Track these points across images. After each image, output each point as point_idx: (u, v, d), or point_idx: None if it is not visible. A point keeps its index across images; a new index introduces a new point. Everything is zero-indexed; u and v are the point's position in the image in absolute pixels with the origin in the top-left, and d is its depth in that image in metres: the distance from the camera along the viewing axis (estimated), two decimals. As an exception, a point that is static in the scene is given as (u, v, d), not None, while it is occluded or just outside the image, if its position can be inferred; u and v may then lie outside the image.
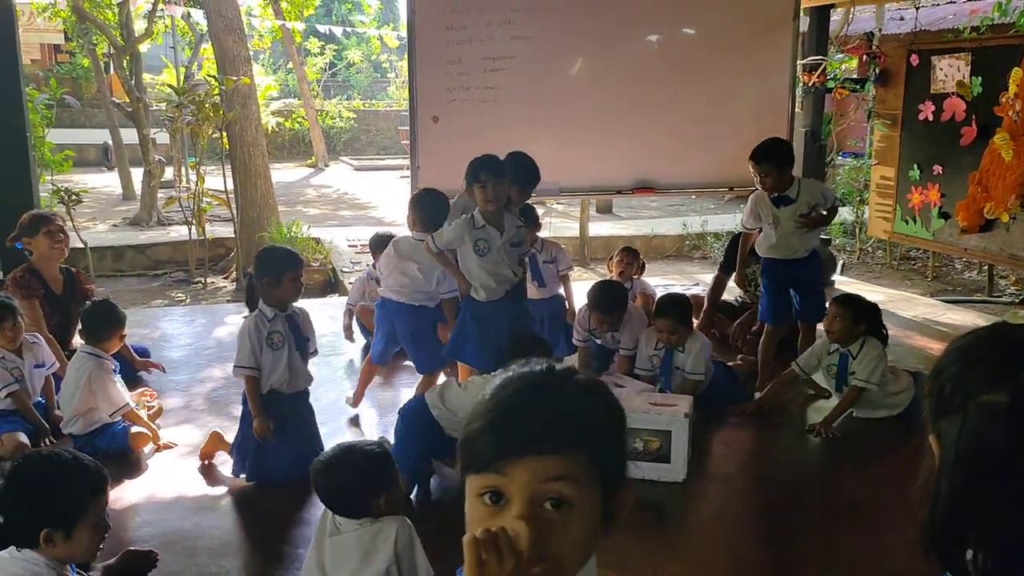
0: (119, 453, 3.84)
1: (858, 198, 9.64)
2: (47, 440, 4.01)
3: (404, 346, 4.29)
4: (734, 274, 5.39)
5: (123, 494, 3.55)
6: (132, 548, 2.97)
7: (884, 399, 4.23)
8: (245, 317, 3.72)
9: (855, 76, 8.28)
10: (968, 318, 6.50)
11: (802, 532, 3.32)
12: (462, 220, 3.78)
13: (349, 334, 5.50)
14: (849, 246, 10.00)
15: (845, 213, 10.26)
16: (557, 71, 6.17)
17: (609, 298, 4.42)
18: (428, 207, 4.16)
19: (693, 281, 7.68)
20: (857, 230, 9.69)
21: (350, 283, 8.09)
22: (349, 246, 9.75)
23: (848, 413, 4.28)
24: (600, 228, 10.93)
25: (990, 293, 8.00)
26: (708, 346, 4.40)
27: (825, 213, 4.50)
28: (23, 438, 3.88)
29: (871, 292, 7.63)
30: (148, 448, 3.94)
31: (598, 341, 4.64)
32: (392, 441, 3.51)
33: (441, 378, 4.21)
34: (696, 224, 10.63)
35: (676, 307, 4.36)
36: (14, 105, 5.42)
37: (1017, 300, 7.69)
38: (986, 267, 8.15)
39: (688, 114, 6.37)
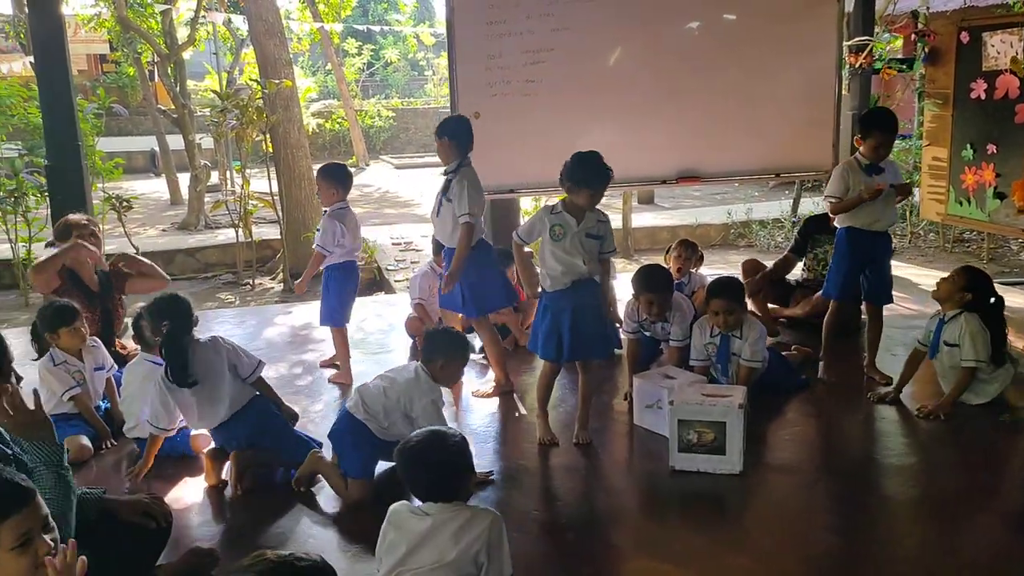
0: (180, 455, 3.90)
1: (909, 180, 9.42)
2: (108, 443, 4.10)
3: None
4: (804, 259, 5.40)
5: (184, 494, 3.61)
6: (195, 547, 3.02)
7: (975, 385, 4.17)
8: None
9: (900, 56, 8.11)
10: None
11: (865, 524, 3.25)
12: (543, 208, 3.87)
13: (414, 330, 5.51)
14: (900, 229, 9.79)
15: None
16: (597, 62, 6.12)
17: (655, 277, 4.42)
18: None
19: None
20: (908, 213, 9.48)
21: (397, 281, 8.16)
22: (393, 244, 9.81)
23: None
24: (643, 219, 10.85)
25: (1050, 274, 7.78)
26: (764, 333, 4.34)
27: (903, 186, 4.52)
28: (85, 441, 3.97)
29: (924, 276, 7.49)
30: (208, 449, 3.99)
31: (647, 333, 4.60)
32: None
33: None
34: (741, 212, 10.50)
35: (729, 287, 4.31)
36: (67, 115, 5.54)
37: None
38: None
39: (732, 100, 6.28)
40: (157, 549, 2.90)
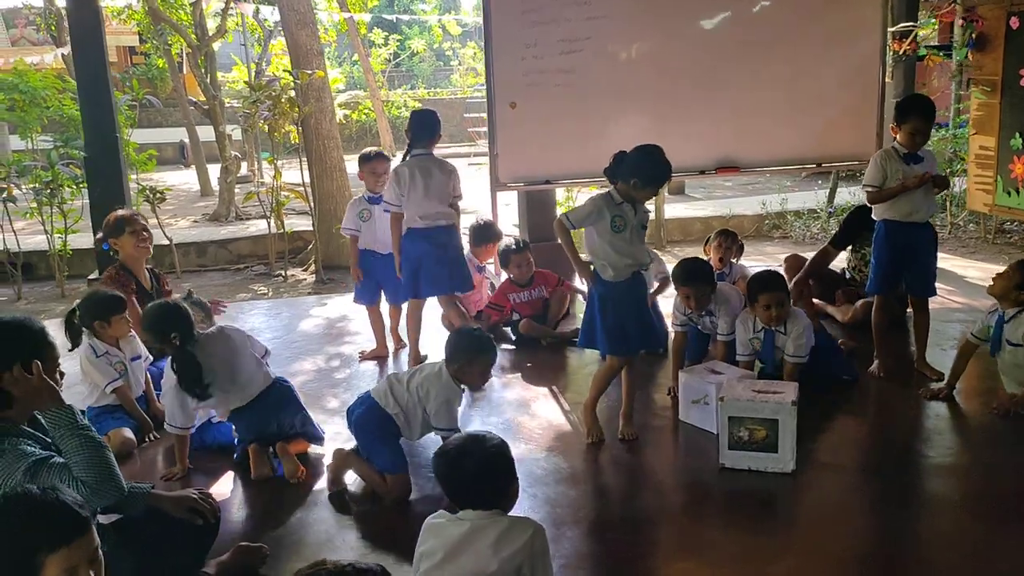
0: (225, 447, 3.88)
1: (948, 170, 9.24)
2: (151, 435, 4.09)
3: None
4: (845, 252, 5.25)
5: (227, 488, 3.59)
6: (243, 544, 3.00)
7: None
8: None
9: (936, 43, 7.94)
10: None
11: (920, 526, 3.16)
12: (599, 196, 3.73)
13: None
14: (940, 220, 9.59)
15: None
16: (634, 50, 6.04)
17: (693, 270, 4.34)
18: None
19: (778, 262, 7.45)
20: (948, 203, 9.28)
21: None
22: (424, 235, 9.75)
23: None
24: (675, 210, 10.71)
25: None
26: (810, 327, 4.24)
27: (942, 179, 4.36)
28: (129, 434, 3.96)
29: (968, 268, 7.34)
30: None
31: (696, 326, 4.52)
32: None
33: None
34: (775, 203, 10.34)
35: (775, 281, 4.23)
36: (104, 107, 5.54)
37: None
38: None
39: (772, 88, 6.17)
40: (206, 545, 2.88)
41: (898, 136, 4.30)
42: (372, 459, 3.49)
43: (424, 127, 4.71)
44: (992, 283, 4.11)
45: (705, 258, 5.41)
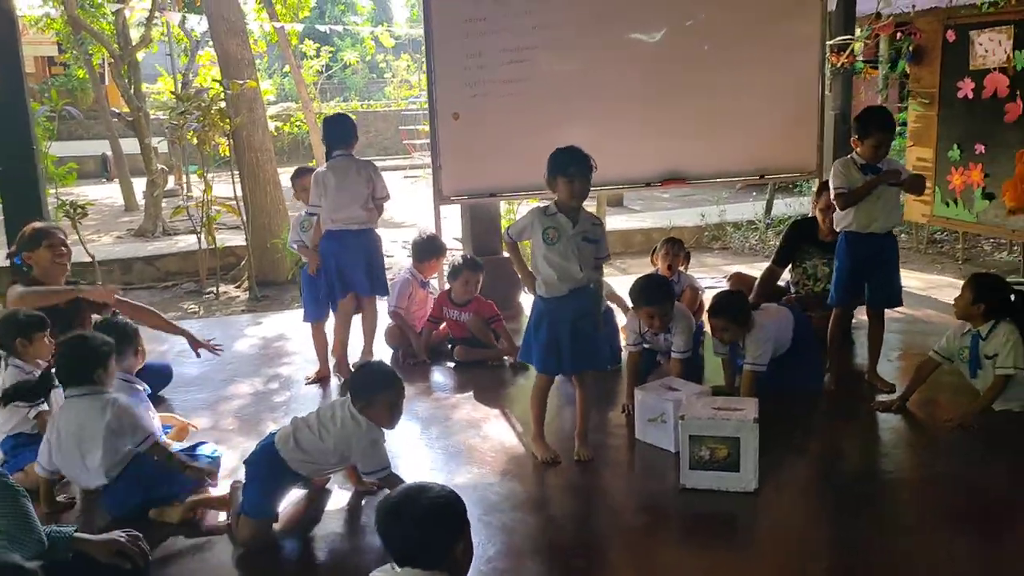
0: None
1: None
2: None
3: None
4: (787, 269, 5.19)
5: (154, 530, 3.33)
6: None
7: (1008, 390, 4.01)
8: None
9: (863, 57, 8.07)
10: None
11: (884, 543, 3.08)
12: (535, 207, 3.64)
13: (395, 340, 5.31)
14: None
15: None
16: (580, 61, 5.94)
17: (655, 288, 4.22)
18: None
19: (722, 274, 7.44)
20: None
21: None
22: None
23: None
24: (615, 222, 10.70)
25: (1026, 274, 7.76)
26: (766, 337, 4.18)
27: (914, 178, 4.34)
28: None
29: (905, 278, 7.41)
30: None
31: (647, 345, 4.41)
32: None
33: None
34: (714, 214, 10.41)
35: (732, 306, 4.16)
36: (20, 119, 5.22)
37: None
38: (1017, 247, 7.92)
39: (717, 101, 6.15)
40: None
41: (859, 148, 4.25)
42: (244, 494, 3.22)
43: (339, 131, 4.71)
44: (955, 307, 4.08)
45: (653, 268, 5.34)
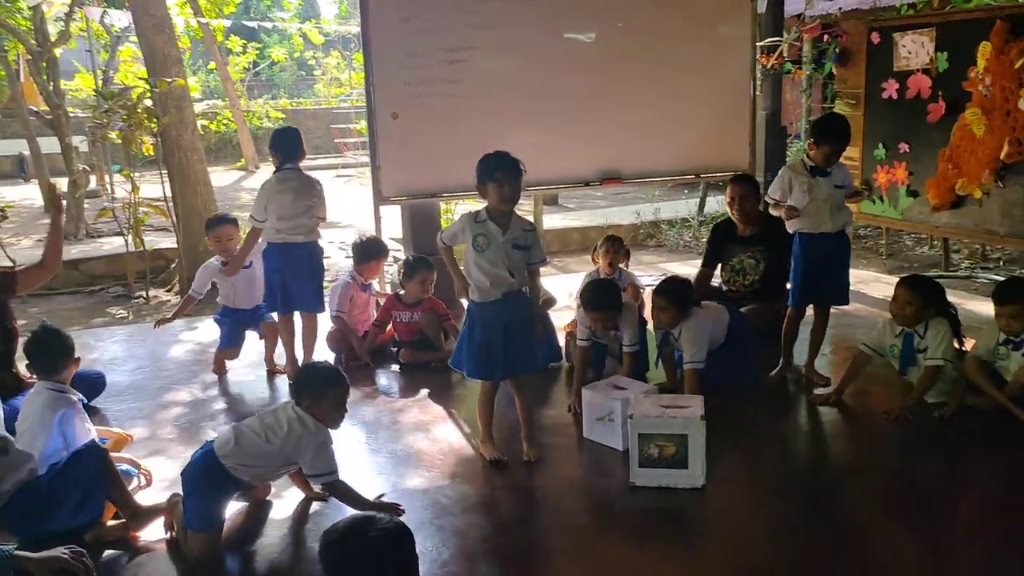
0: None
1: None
2: None
3: None
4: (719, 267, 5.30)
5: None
6: None
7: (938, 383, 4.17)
8: None
9: (787, 57, 8.29)
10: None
11: (832, 535, 3.17)
12: (466, 213, 3.64)
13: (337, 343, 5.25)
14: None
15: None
16: (519, 61, 5.95)
17: (606, 294, 4.26)
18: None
19: (660, 272, 7.55)
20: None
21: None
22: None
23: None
24: (552, 221, 10.75)
25: (946, 268, 8.07)
26: (702, 334, 4.27)
27: (852, 193, 4.50)
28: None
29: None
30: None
31: (602, 340, 4.45)
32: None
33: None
34: (648, 212, 10.55)
35: (677, 289, 4.32)
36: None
37: (971, 274, 7.76)
38: (937, 242, 8.24)
39: (652, 101, 6.24)
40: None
41: (812, 152, 4.37)
42: (185, 508, 3.13)
43: (288, 144, 4.73)
44: (902, 316, 4.14)
45: (594, 265, 5.38)
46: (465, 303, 3.78)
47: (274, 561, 3.09)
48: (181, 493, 3.20)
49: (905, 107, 6.08)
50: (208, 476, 3.12)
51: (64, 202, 4.69)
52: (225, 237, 5.00)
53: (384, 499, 3.45)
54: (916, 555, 3.04)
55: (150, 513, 3.30)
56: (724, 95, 6.49)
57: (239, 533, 3.26)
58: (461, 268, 3.69)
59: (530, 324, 3.73)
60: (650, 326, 4.57)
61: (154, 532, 3.25)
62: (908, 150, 6.09)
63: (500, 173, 3.49)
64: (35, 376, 3.75)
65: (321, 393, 3.18)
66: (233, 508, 3.33)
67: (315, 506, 3.45)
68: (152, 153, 8.36)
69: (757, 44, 6.69)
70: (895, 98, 6.14)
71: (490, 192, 3.52)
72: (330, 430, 3.23)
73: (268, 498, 3.48)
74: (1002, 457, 3.77)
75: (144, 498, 3.44)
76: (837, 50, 6.63)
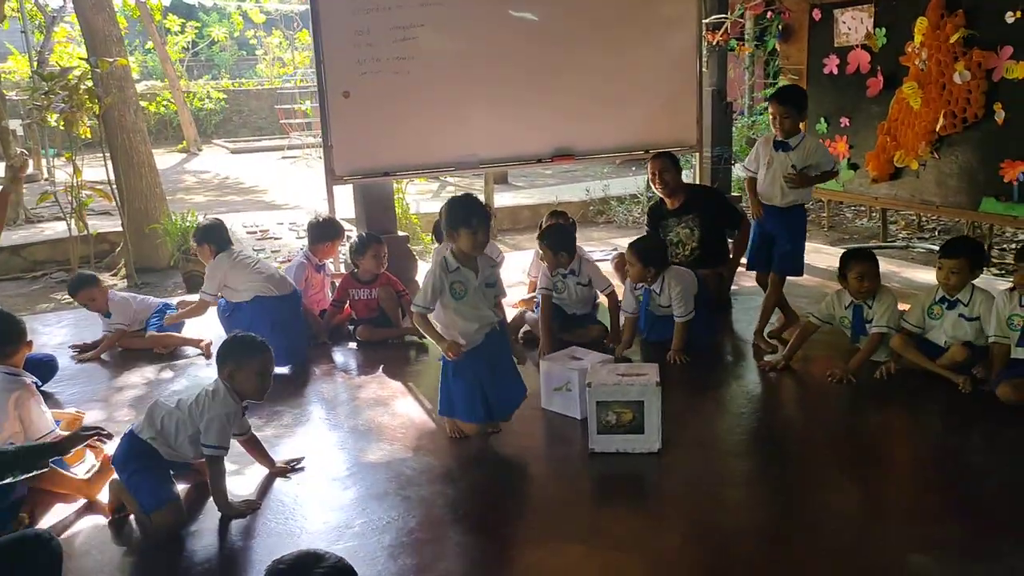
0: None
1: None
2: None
3: None
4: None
5: (67, 520, 3.22)
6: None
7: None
8: None
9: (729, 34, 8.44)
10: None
11: (791, 495, 3.31)
12: (435, 266, 3.57)
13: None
14: (745, 202, 10.24)
15: (737, 170, 10.51)
16: (468, 37, 5.96)
17: (565, 234, 4.83)
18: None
19: (611, 247, 7.66)
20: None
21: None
22: (248, 232, 9.26)
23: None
24: (503, 199, 10.80)
25: (884, 238, 8.33)
26: (687, 289, 4.64)
27: (814, 176, 4.64)
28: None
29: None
30: (82, 466, 3.58)
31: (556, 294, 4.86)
32: None
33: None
34: (598, 189, 10.65)
35: (648, 247, 4.74)
36: None
37: (908, 244, 8.03)
38: (876, 214, 8.49)
39: (601, 78, 6.30)
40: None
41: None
42: (135, 496, 3.14)
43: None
44: (860, 292, 4.31)
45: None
46: (420, 279, 3.80)
47: (232, 538, 3.11)
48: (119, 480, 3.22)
49: (845, 82, 6.25)
50: (134, 456, 3.17)
51: (24, 174, 4.65)
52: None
53: (337, 476, 3.49)
54: (864, 508, 3.19)
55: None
56: (671, 72, 6.59)
57: (194, 512, 3.27)
58: (437, 328, 3.57)
59: (513, 357, 3.78)
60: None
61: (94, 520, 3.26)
62: (848, 124, 6.26)
63: (476, 220, 3.46)
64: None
65: (242, 361, 3.21)
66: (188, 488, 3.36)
67: (276, 482, 3.48)
68: (90, 135, 8.18)
69: (703, 21, 6.79)
70: (836, 73, 6.30)
71: (462, 238, 3.48)
72: (252, 402, 3.33)
73: (230, 474, 3.49)
74: (935, 410, 3.99)
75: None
76: (780, 27, 6.77)
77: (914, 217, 8.46)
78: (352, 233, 6.03)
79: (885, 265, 6.21)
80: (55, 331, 5.79)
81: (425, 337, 4.01)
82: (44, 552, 2.54)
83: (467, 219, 3.47)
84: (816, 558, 2.83)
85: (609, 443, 3.60)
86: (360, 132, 5.73)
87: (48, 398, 4.33)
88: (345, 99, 5.65)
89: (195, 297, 5.23)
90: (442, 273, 3.52)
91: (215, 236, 4.94)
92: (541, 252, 4.96)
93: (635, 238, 4.88)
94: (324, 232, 5.34)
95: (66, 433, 3.30)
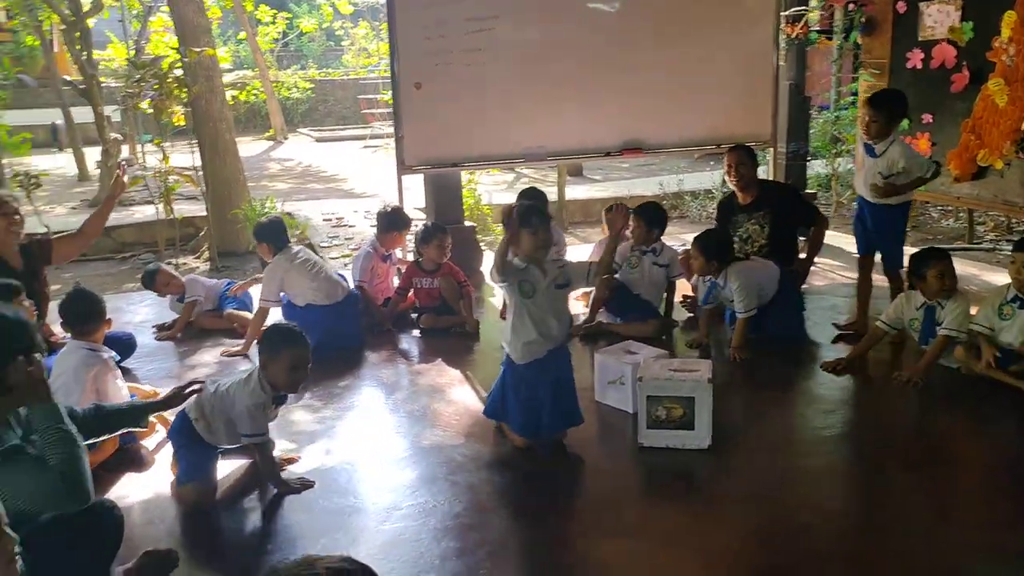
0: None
1: (833, 151, 9.62)
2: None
3: None
4: None
5: (129, 491, 3.38)
6: (151, 549, 2.82)
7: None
8: None
9: (818, 28, 8.21)
10: (957, 267, 6.48)
11: (838, 497, 3.26)
12: (501, 263, 3.50)
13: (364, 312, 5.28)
14: (825, 199, 9.99)
15: (819, 166, 10.25)
16: (542, 31, 5.99)
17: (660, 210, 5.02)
18: None
19: (680, 242, 7.58)
20: (833, 183, 9.66)
21: (332, 258, 7.90)
22: (324, 220, 9.51)
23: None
24: (576, 191, 10.79)
25: (971, 240, 8.01)
26: (750, 283, 4.64)
27: (904, 183, 4.60)
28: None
29: (852, 245, 7.64)
30: (152, 441, 3.76)
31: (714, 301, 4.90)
32: None
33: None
34: (672, 183, 10.54)
35: (709, 239, 4.75)
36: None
37: (995, 246, 7.72)
38: (963, 214, 8.18)
39: (675, 72, 6.25)
40: (110, 552, 2.69)
41: None
42: (178, 466, 3.35)
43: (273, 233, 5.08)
44: (930, 291, 4.21)
45: (602, 235, 5.49)
46: (485, 271, 3.81)
47: (286, 513, 3.22)
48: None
49: (929, 77, 6.03)
50: (181, 433, 3.32)
51: (125, 180, 4.91)
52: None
53: (391, 459, 3.57)
54: (922, 509, 3.11)
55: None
56: (747, 65, 6.48)
57: (233, 488, 3.40)
58: (507, 321, 3.60)
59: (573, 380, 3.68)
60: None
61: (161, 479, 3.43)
62: (932, 121, 6.05)
63: (536, 219, 3.46)
64: (68, 335, 3.92)
65: (277, 351, 3.24)
66: (237, 464, 3.51)
67: (332, 462, 3.58)
68: (183, 123, 8.50)
69: (781, 14, 6.65)
70: (919, 68, 6.09)
71: (524, 239, 3.46)
72: (289, 395, 3.41)
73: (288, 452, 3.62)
74: (1006, 415, 3.86)
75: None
76: (863, 19, 6.57)
77: (1003, 218, 8.12)
78: (420, 223, 6.12)
79: (966, 268, 6.02)
80: (138, 310, 6.06)
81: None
82: (107, 519, 2.69)
83: (527, 219, 3.48)
84: (884, 559, 2.79)
85: (658, 438, 3.59)
86: (430, 123, 5.82)
87: (126, 373, 4.56)
88: (417, 90, 5.75)
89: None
90: (510, 270, 3.48)
91: (273, 234, 4.96)
92: (632, 223, 4.97)
93: (700, 233, 4.87)
94: (391, 223, 5.44)
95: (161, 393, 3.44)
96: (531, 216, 3.48)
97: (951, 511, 3.12)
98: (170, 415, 3.48)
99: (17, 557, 1.94)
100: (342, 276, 5.19)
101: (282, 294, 4.96)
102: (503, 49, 5.82)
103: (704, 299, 4.83)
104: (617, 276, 5.01)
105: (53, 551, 2.49)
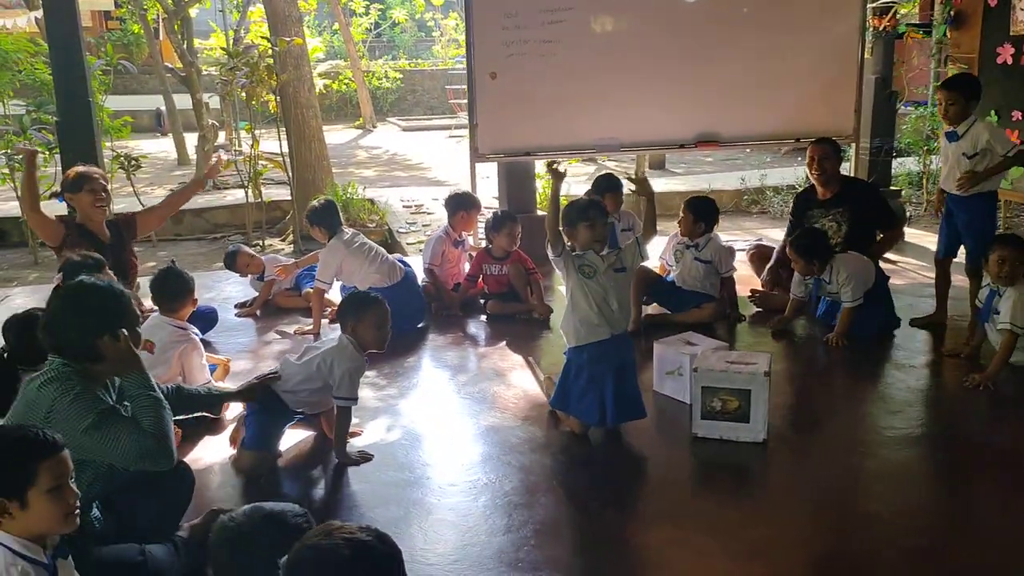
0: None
1: (925, 148, 9.31)
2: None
3: None
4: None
5: (203, 455, 3.59)
6: (216, 508, 3.00)
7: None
8: None
9: (916, 21, 7.96)
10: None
11: (889, 494, 3.21)
12: (564, 253, 3.58)
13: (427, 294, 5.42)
14: (916, 197, 9.67)
15: (910, 164, 9.92)
16: (616, 21, 6.01)
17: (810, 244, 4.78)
18: None
19: (756, 236, 7.50)
20: (924, 180, 9.35)
21: (408, 244, 8.09)
22: (404, 206, 9.73)
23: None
24: (656, 184, 10.67)
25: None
26: (858, 275, 4.66)
27: (986, 168, 4.47)
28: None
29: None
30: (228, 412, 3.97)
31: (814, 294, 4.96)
32: None
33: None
34: (754, 178, 10.39)
35: (806, 241, 4.82)
36: (76, 72, 5.45)
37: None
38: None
39: (754, 63, 6.17)
40: (181, 508, 2.89)
41: None
42: (245, 428, 3.52)
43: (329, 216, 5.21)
44: (992, 268, 4.13)
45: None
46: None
47: (345, 483, 3.37)
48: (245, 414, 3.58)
49: (1020, 73, 5.80)
50: (263, 402, 3.45)
51: (221, 168, 5.20)
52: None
53: (448, 437, 3.73)
54: (980, 515, 3.05)
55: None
56: (830, 57, 6.34)
57: (296, 458, 3.56)
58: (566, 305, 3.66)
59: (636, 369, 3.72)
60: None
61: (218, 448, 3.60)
62: (1021, 118, 5.83)
63: (592, 212, 3.54)
64: (155, 309, 4.17)
65: (361, 314, 3.49)
66: (300, 436, 3.68)
67: (392, 437, 3.72)
68: (274, 110, 8.82)
69: (868, 5, 6.49)
70: (1009, 63, 5.87)
71: (581, 232, 3.54)
72: (377, 352, 3.59)
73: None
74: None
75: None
76: (952, 13, 6.36)
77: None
78: (491, 210, 6.22)
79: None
80: (224, 287, 6.35)
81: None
82: (182, 480, 2.89)
83: (584, 213, 3.55)
84: (937, 562, 2.78)
85: (712, 429, 3.61)
86: (504, 112, 5.91)
87: (207, 346, 4.77)
88: (492, 80, 5.85)
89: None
90: (568, 258, 3.55)
91: (326, 218, 5.08)
92: (680, 214, 5.10)
93: (794, 235, 4.91)
94: (460, 202, 5.56)
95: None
96: (589, 210, 3.54)
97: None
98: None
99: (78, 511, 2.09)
100: (399, 259, 5.33)
101: (339, 283, 5.13)
102: (576, 40, 5.86)
103: (812, 295, 4.93)
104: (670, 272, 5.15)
105: (133, 506, 2.70)
